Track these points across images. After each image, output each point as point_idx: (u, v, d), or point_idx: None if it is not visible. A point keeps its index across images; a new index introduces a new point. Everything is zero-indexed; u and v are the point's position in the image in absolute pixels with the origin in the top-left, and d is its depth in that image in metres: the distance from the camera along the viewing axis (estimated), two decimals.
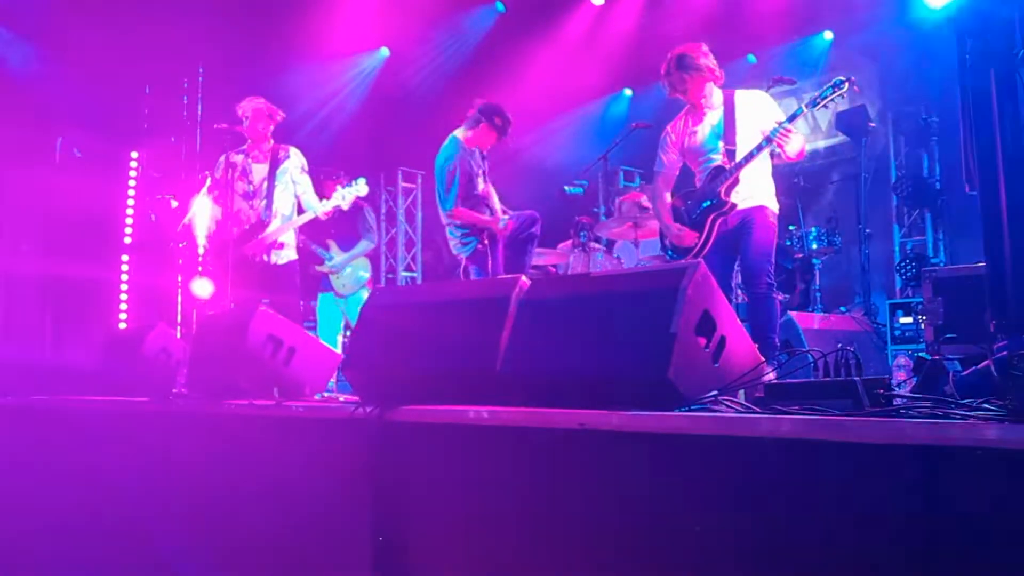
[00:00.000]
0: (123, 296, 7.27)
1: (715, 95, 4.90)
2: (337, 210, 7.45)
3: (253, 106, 5.78)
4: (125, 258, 7.40)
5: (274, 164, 5.78)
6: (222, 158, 5.81)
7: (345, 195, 5.75)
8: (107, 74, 7.22)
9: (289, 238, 5.83)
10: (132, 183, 7.54)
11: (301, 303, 6.34)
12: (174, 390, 4.42)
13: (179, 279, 6.91)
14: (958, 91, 2.44)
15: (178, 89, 7.53)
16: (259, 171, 5.80)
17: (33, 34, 7.19)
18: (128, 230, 7.48)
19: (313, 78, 8.87)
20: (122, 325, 7.20)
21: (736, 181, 4.73)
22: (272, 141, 5.88)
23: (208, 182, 6.00)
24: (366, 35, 9.31)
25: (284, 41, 8.13)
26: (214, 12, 7.36)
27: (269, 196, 5.73)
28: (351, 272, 7.25)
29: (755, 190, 4.78)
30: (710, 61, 4.83)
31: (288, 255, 5.82)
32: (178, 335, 6.23)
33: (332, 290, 7.27)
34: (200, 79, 7.74)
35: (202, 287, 6.27)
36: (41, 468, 4.55)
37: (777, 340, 4.64)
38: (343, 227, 7.33)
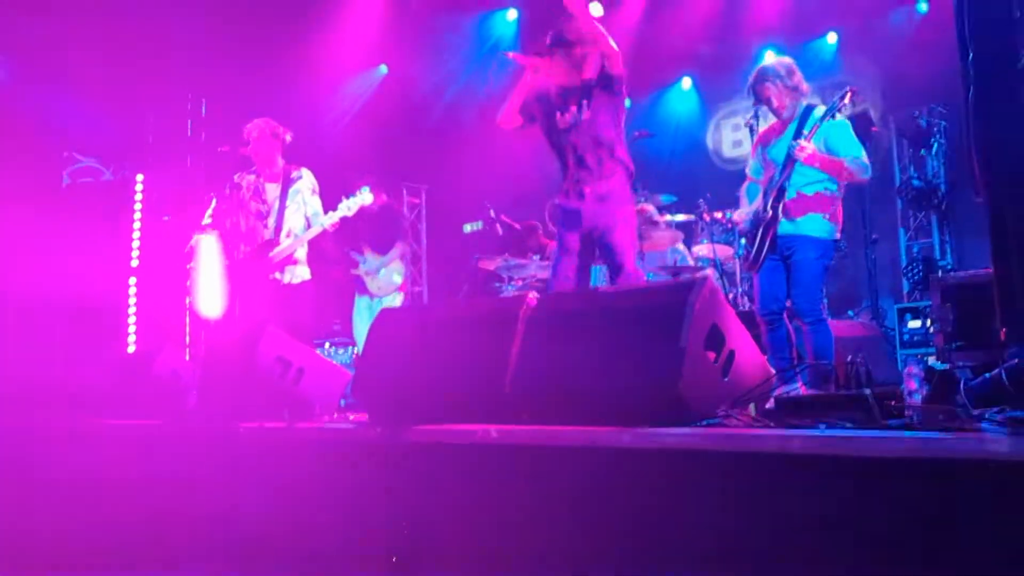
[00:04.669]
0: (131, 319, 7.28)
1: (796, 109, 4.85)
2: (371, 215, 7.52)
3: (259, 128, 5.78)
4: (132, 281, 7.41)
5: (286, 184, 5.78)
6: (235, 178, 5.83)
7: (350, 205, 5.73)
8: (112, 99, 7.25)
9: (301, 256, 5.82)
10: (138, 206, 7.57)
11: (313, 322, 6.32)
12: (184, 412, 4.42)
13: (187, 301, 6.92)
14: (962, 101, 2.43)
15: (183, 112, 7.55)
16: (272, 190, 5.81)
17: (38, 61, 7.23)
18: (135, 253, 7.49)
19: (316, 95, 8.90)
20: (131, 348, 7.21)
21: (781, 193, 4.69)
22: (283, 161, 5.88)
23: (214, 203, 6.00)
24: (369, 51, 9.35)
25: (287, 60, 8.15)
26: (217, 35, 7.39)
27: (280, 215, 5.72)
28: (385, 275, 7.34)
29: (808, 218, 4.72)
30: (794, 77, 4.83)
31: (301, 274, 5.80)
32: (187, 357, 6.24)
33: (368, 293, 7.33)
34: (204, 101, 7.77)
35: (210, 307, 6.28)
36: (52, 491, 4.55)
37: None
38: (377, 231, 7.40)
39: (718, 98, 10.38)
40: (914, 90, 8.50)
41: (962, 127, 2.52)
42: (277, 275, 5.70)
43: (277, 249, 5.66)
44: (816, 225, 4.68)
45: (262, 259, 5.67)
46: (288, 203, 5.75)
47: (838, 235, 4.79)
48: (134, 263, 7.47)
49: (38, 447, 4.73)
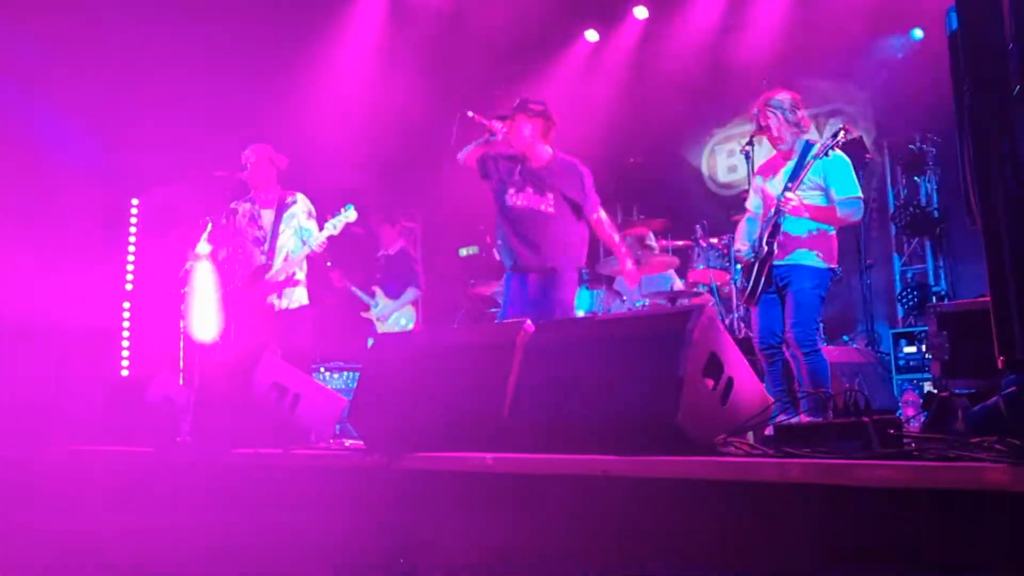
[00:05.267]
0: (125, 344, 7.27)
1: (796, 145, 4.88)
2: (389, 259, 7.55)
3: (256, 153, 5.81)
4: (127, 305, 7.40)
5: (280, 209, 5.82)
6: (232, 205, 5.85)
7: (336, 224, 5.75)
8: (107, 120, 7.25)
9: (301, 278, 5.82)
10: (133, 230, 7.57)
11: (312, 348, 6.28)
12: (178, 439, 4.40)
13: (181, 325, 6.91)
14: (957, 128, 2.45)
15: (179, 136, 7.56)
16: (267, 216, 5.85)
17: (33, 83, 7.24)
18: (129, 277, 7.48)
19: (312, 120, 8.92)
20: (124, 373, 7.19)
21: (776, 229, 4.70)
22: (279, 187, 5.91)
23: (209, 228, 6.01)
24: (366, 75, 9.38)
25: (285, 85, 8.18)
26: (215, 60, 7.42)
27: (272, 241, 5.75)
28: (395, 320, 7.35)
29: (801, 249, 4.75)
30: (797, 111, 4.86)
31: (299, 298, 5.80)
32: (181, 382, 6.21)
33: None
34: (201, 125, 7.78)
35: (204, 331, 6.26)
36: (43, 518, 4.51)
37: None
38: (390, 274, 7.42)
39: (713, 124, 10.42)
40: (908, 117, 8.54)
41: (957, 154, 2.53)
42: (274, 300, 5.70)
43: (271, 272, 5.67)
44: (811, 257, 4.71)
45: (257, 284, 5.67)
46: (282, 228, 5.77)
47: (833, 264, 4.82)
48: (128, 287, 7.46)
49: (28, 473, 4.69)
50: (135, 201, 7.63)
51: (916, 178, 8.82)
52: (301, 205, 5.85)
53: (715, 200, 9.99)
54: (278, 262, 5.71)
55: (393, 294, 7.41)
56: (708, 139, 10.54)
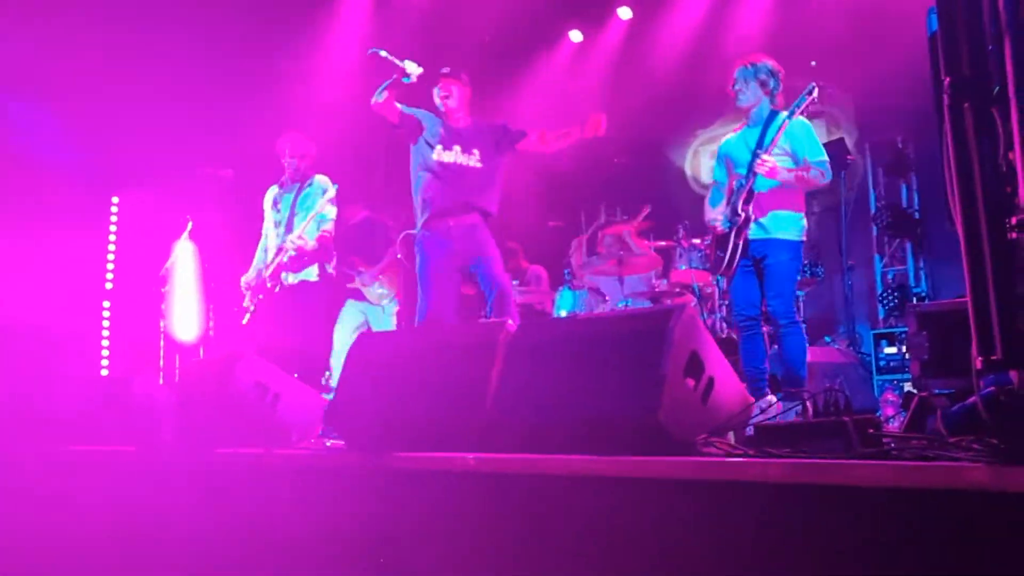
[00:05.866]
0: (105, 343, 7.21)
1: (760, 110, 4.90)
2: (354, 230, 7.58)
3: (310, 144, 6.01)
4: (107, 304, 7.35)
5: (300, 191, 5.95)
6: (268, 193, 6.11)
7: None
8: (87, 120, 7.20)
9: (311, 257, 5.89)
10: (113, 228, 7.51)
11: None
12: (160, 438, 4.37)
13: (162, 324, 6.87)
14: (936, 129, 2.46)
15: (158, 134, 7.52)
16: (288, 199, 5.94)
17: (11, 81, 7.18)
18: (109, 276, 7.43)
19: (295, 119, 8.87)
20: (104, 372, 7.13)
21: (750, 196, 4.73)
22: (311, 172, 6.08)
23: (189, 226, 6.01)
24: (348, 76, 9.34)
25: (264, 85, 8.14)
26: (199, 55, 7.38)
27: (289, 223, 5.83)
28: (377, 286, 7.39)
29: (776, 219, 4.78)
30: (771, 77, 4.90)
31: (304, 276, 5.87)
32: (161, 381, 6.19)
33: (365, 300, 7.35)
34: (183, 122, 7.74)
35: (185, 330, 6.24)
36: (22, 519, 4.47)
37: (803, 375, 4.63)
38: (366, 244, 7.43)
39: (696, 125, 10.44)
40: (889, 118, 8.60)
41: (937, 155, 2.54)
42: (283, 276, 5.81)
43: (282, 253, 5.78)
44: (787, 226, 4.75)
45: (274, 263, 5.79)
46: (298, 210, 5.88)
47: (805, 236, 4.86)
48: (108, 286, 7.41)
49: (7, 474, 4.65)
50: (115, 199, 7.57)
51: (897, 179, 8.89)
52: (317, 187, 5.95)
53: (698, 201, 9.98)
54: (290, 241, 5.79)
55: (372, 261, 7.42)
56: (692, 140, 10.56)
